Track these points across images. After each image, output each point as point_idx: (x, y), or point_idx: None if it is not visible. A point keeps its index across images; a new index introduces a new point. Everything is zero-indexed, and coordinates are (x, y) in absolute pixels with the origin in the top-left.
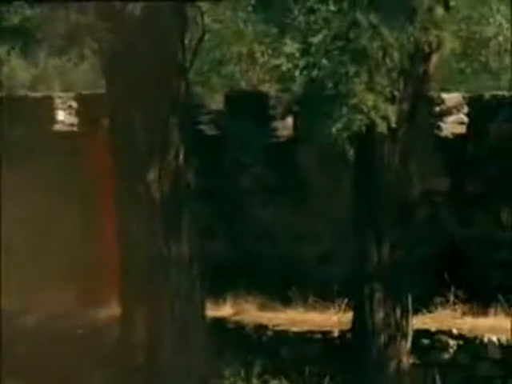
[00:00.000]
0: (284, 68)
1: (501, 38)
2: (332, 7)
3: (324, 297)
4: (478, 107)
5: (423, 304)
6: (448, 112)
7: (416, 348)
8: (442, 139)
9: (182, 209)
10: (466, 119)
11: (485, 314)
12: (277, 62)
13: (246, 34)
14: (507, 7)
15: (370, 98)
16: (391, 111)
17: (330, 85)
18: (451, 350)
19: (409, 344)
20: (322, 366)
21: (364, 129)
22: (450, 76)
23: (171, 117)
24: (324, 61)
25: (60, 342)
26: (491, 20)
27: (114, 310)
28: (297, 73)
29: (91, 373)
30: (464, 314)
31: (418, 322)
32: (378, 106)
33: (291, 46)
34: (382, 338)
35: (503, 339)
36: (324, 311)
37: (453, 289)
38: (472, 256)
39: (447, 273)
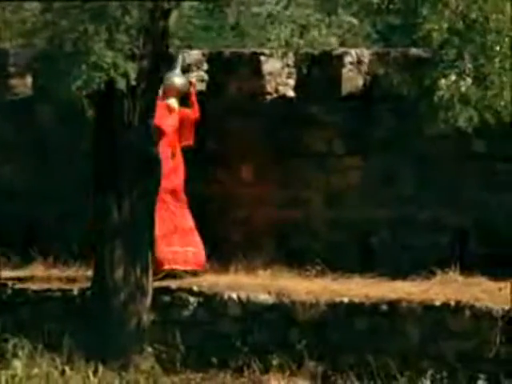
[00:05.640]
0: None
1: None
2: None
3: (65, 256)
4: (217, 64)
5: None
6: (188, 69)
7: (156, 305)
8: None
9: None
10: (206, 76)
11: (225, 271)
12: (17, 18)
13: None
14: None
15: (109, 56)
16: (131, 68)
17: (68, 43)
18: (191, 308)
19: (149, 301)
20: (62, 324)
21: (103, 86)
22: (195, 33)
23: None
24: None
25: None
26: None
27: None
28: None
29: None
30: (205, 271)
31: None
32: (117, 64)
33: (31, 4)
34: (122, 296)
35: (243, 296)
36: (65, 270)
37: None
38: (213, 213)
39: None
